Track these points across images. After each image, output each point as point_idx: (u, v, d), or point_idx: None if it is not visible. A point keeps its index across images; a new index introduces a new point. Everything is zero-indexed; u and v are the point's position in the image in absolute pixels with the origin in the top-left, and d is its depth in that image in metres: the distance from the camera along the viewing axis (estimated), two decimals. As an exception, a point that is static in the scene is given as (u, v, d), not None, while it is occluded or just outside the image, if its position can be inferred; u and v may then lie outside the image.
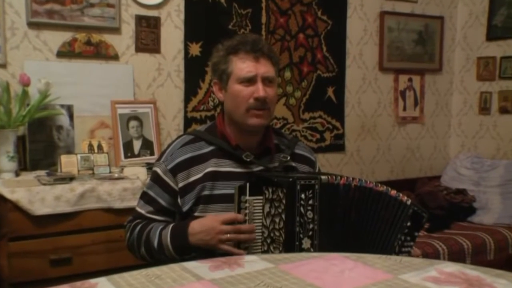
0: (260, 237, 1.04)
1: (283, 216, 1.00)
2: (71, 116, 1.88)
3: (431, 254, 2.05)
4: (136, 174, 1.72)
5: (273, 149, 1.19)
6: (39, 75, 1.76)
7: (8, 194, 1.46)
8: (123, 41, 2.01)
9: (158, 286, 0.72)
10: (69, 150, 1.85)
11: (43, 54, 1.87)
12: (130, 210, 1.25)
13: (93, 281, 0.73)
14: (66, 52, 1.90)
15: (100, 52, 1.96)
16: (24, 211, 1.47)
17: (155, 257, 1.11)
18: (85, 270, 1.53)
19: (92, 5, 1.91)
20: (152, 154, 1.99)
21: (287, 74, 2.41)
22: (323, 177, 1.02)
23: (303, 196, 0.99)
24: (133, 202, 1.49)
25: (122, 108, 1.96)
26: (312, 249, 0.99)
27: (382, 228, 1.05)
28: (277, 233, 1.01)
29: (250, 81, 1.11)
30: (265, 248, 1.03)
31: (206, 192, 1.11)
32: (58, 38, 1.89)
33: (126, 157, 1.94)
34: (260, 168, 1.15)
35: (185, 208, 1.12)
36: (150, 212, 1.16)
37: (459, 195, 2.53)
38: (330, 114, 2.53)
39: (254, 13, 2.27)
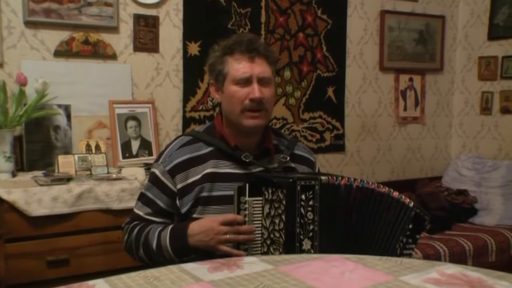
0: (260, 238, 1.03)
1: (283, 217, 0.99)
2: (68, 116, 1.87)
3: (432, 256, 2.04)
4: (134, 174, 1.71)
5: (272, 150, 1.18)
6: (36, 75, 1.75)
7: (4, 195, 1.45)
8: (121, 40, 2.00)
9: (156, 288, 0.72)
10: (67, 151, 1.84)
11: (40, 54, 1.86)
12: (128, 211, 1.25)
13: (90, 282, 0.73)
14: (64, 52, 1.89)
15: (98, 52, 1.95)
16: (20, 212, 1.46)
17: (153, 259, 1.11)
18: (82, 271, 1.53)
19: (90, 4, 1.91)
20: (150, 154, 1.98)
21: (287, 74, 2.40)
22: (323, 177, 1.01)
23: (303, 197, 0.98)
24: (131, 203, 1.49)
25: (120, 108, 1.95)
26: (312, 250, 0.99)
27: (384, 230, 1.04)
28: (277, 234, 1.00)
29: (245, 82, 1.10)
30: (265, 250, 1.02)
31: (204, 194, 1.10)
32: (55, 37, 1.88)
33: (124, 157, 1.94)
34: (260, 169, 1.14)
35: (183, 210, 1.11)
36: (148, 214, 1.15)
37: (460, 196, 2.52)
38: (330, 114, 2.53)
39: (254, 12, 2.27)
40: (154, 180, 1.15)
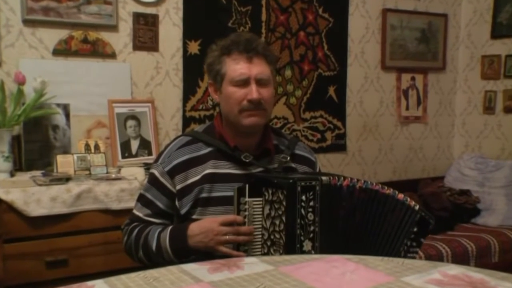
0: (260, 239, 1.03)
1: (284, 218, 0.99)
2: (67, 116, 1.87)
3: (434, 256, 2.03)
4: (134, 174, 1.71)
5: (272, 150, 1.17)
6: (35, 74, 1.75)
7: (3, 195, 1.45)
8: (121, 39, 1.99)
9: (156, 289, 0.72)
10: (65, 150, 1.84)
11: (38, 52, 1.86)
12: (128, 211, 1.24)
13: (90, 283, 0.72)
14: (62, 50, 1.89)
15: (97, 50, 1.94)
16: (19, 212, 1.46)
17: (153, 260, 1.10)
18: (81, 272, 1.52)
19: (89, 2, 1.90)
20: (150, 154, 1.98)
21: (288, 73, 2.39)
22: (324, 178, 1.00)
23: (303, 197, 0.98)
24: (130, 203, 1.49)
25: (119, 107, 1.95)
26: (313, 251, 0.98)
27: (388, 232, 1.03)
28: (277, 235, 1.00)
29: (243, 83, 1.09)
30: (265, 251, 1.02)
31: (204, 195, 1.10)
32: (54, 36, 1.87)
33: (123, 157, 1.93)
34: (260, 169, 1.14)
35: (183, 211, 1.11)
36: (148, 215, 1.14)
37: (463, 196, 2.51)
38: (331, 113, 2.51)
39: (254, 11, 2.26)
40: (153, 181, 1.14)
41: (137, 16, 2.01)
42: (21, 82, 1.70)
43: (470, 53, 2.87)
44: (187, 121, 2.15)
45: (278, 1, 2.32)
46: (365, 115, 2.64)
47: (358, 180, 1.02)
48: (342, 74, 2.52)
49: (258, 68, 1.09)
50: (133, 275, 0.76)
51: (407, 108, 2.77)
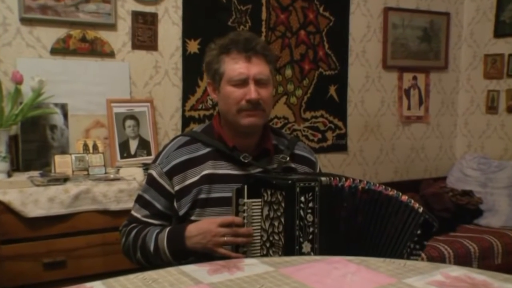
0: (259, 241, 1.02)
1: (282, 219, 0.98)
2: (65, 115, 1.87)
3: (437, 258, 2.02)
4: (133, 175, 1.71)
5: (271, 150, 1.16)
6: (32, 73, 1.74)
7: (0, 196, 1.44)
8: (119, 38, 1.99)
9: (155, 290, 0.71)
10: (63, 150, 1.83)
11: (36, 51, 1.85)
12: (126, 212, 1.24)
13: (88, 285, 0.72)
14: (60, 49, 1.88)
15: (95, 49, 1.93)
16: (16, 213, 1.46)
17: (151, 262, 1.09)
18: (79, 273, 1.52)
19: (87, 1, 1.89)
20: (149, 154, 1.97)
21: (288, 72, 2.37)
22: (323, 178, 0.99)
23: (302, 198, 0.97)
24: (129, 203, 1.49)
25: (118, 107, 1.94)
26: (312, 253, 0.98)
27: (391, 234, 1.02)
28: (276, 237, 0.99)
29: (242, 82, 1.08)
30: (264, 252, 1.02)
31: (202, 196, 1.09)
32: (52, 35, 1.86)
33: (122, 157, 1.92)
34: (259, 169, 1.13)
35: (181, 212, 1.10)
36: (146, 216, 1.14)
37: (465, 197, 2.50)
38: (332, 113, 2.50)
39: (254, 9, 2.25)
40: (151, 181, 1.14)
41: (136, 15, 2.00)
42: (18, 81, 1.70)
43: (472, 52, 2.85)
44: (186, 121, 2.14)
45: (279, 0, 2.31)
46: (366, 115, 2.62)
47: (360, 181, 1.01)
48: (343, 73, 2.51)
49: (257, 68, 1.08)
50: (131, 276, 0.75)
51: (408, 108, 2.76)
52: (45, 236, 1.50)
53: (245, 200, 1.01)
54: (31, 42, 1.84)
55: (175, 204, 1.10)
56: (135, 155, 1.95)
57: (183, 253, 1.04)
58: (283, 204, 0.97)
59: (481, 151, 2.83)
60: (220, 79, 1.10)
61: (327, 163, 2.50)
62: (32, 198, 1.46)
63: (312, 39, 2.41)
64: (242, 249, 1.02)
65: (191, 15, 2.11)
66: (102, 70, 1.94)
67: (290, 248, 0.96)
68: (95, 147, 1.84)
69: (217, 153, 1.12)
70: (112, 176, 1.69)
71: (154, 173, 1.13)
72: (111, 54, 1.97)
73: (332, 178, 1.00)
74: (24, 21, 1.81)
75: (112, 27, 1.95)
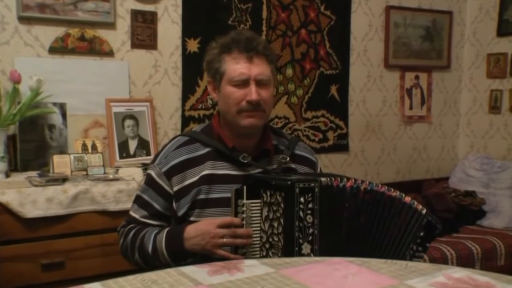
0: (258, 242, 1.02)
1: (282, 220, 0.97)
2: (63, 115, 1.86)
3: (439, 259, 2.01)
4: (132, 175, 1.70)
5: (271, 151, 1.16)
6: (31, 72, 1.74)
7: (-3, 196, 1.44)
8: (118, 36, 1.98)
9: (155, 291, 0.71)
10: (62, 150, 1.83)
11: (34, 50, 1.84)
12: (125, 213, 1.23)
13: (86, 286, 0.72)
14: (59, 48, 1.87)
15: (94, 48, 1.92)
16: (14, 213, 1.45)
17: (149, 263, 1.09)
18: (78, 275, 1.51)
19: (86, -1, 1.88)
20: (148, 154, 1.96)
21: (289, 72, 2.36)
22: (323, 179, 0.99)
23: (302, 199, 0.96)
24: (128, 204, 1.48)
25: (117, 107, 1.94)
26: (312, 254, 0.97)
27: (394, 236, 1.02)
28: (275, 238, 0.99)
29: (243, 83, 1.07)
30: (264, 254, 1.01)
31: (202, 196, 1.08)
32: (50, 34, 1.86)
33: (121, 157, 1.92)
34: (258, 170, 1.12)
35: (180, 213, 1.09)
36: (145, 217, 1.13)
37: (468, 198, 2.50)
38: (334, 113, 2.49)
39: (255, 8, 2.24)
40: (150, 182, 1.13)
41: (135, 14, 1.99)
42: (16, 80, 1.69)
43: (475, 51, 2.84)
44: (186, 121, 2.13)
45: (279, -2, 2.30)
46: (368, 115, 2.61)
47: (362, 181, 1.00)
48: (345, 72, 2.50)
49: (258, 69, 1.07)
50: (130, 277, 0.75)
51: (410, 108, 2.74)
52: (43, 237, 1.49)
53: (244, 201, 1.01)
54: (29, 41, 1.83)
55: (174, 204, 1.09)
56: (134, 155, 1.94)
57: (181, 255, 1.04)
58: (282, 205, 0.96)
59: (484, 151, 2.81)
60: (220, 78, 1.10)
61: (328, 163, 2.49)
62: (30, 198, 1.46)
63: (313, 38, 2.40)
64: (241, 251, 1.01)
65: (191, 13, 2.10)
66: (101, 69, 1.93)
67: (290, 249, 0.95)
68: (94, 147, 1.83)
69: (216, 153, 1.11)
70: (111, 176, 1.68)
71: (153, 173, 1.12)
72: (110, 53, 1.96)
73: (332, 179, 0.99)
74: (22, 19, 1.80)
75: (111, 25, 1.95)
